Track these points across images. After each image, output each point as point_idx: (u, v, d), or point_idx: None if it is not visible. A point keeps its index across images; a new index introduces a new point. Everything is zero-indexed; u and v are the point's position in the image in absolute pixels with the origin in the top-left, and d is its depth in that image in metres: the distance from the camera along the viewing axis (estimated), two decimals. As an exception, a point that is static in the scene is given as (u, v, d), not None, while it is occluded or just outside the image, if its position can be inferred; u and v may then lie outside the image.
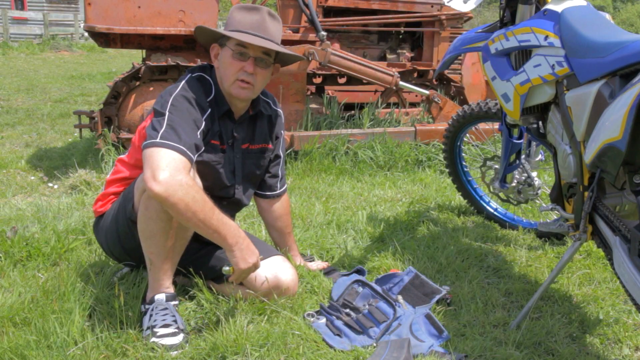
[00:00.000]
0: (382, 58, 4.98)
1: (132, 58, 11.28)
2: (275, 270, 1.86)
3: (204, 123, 1.76)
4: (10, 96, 7.50)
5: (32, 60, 12.80)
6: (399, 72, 4.33)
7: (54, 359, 1.56)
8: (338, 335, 1.75)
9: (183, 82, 1.81)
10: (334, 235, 2.61)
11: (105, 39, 4.24)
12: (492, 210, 2.87)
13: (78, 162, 3.94)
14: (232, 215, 2.11)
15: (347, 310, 1.85)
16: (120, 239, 1.87)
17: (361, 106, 4.45)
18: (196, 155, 1.70)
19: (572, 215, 1.81)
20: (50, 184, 3.65)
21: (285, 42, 2.37)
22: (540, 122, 2.01)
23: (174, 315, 1.72)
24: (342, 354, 1.65)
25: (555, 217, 2.28)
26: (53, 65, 11.99)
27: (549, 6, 1.85)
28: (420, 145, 4.04)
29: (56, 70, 11.02)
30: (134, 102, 3.90)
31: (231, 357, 1.56)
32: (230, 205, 1.98)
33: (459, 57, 4.87)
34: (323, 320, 1.81)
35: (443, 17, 4.77)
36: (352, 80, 4.38)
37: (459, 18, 4.84)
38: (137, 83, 3.89)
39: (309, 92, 4.53)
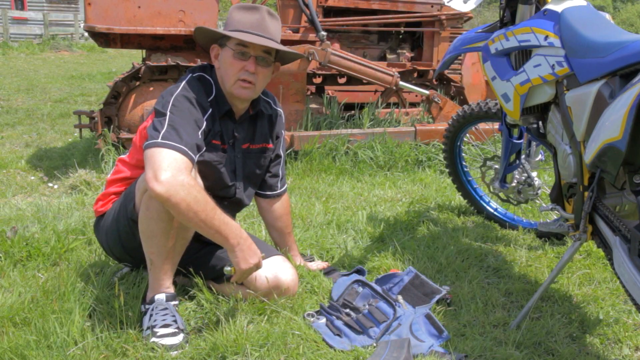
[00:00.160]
0: (382, 58, 4.98)
1: (132, 58, 11.28)
2: (276, 270, 1.86)
3: (205, 123, 1.77)
4: (10, 96, 7.50)
5: (32, 60, 12.80)
6: (399, 72, 4.33)
7: (54, 359, 1.56)
8: (338, 335, 1.75)
9: (184, 82, 1.81)
10: (334, 235, 2.61)
11: (105, 39, 4.24)
12: (492, 210, 2.87)
13: (78, 162, 3.94)
14: (233, 215, 2.11)
15: (347, 310, 1.85)
16: (121, 239, 1.87)
17: (361, 106, 4.45)
18: (197, 156, 1.70)
19: (572, 215, 1.81)
20: (50, 184, 3.65)
21: (285, 42, 2.37)
22: (540, 122, 2.01)
23: (174, 315, 1.72)
24: (342, 354, 1.65)
25: (555, 217, 2.28)
26: (53, 65, 11.99)
27: (549, 6, 1.85)
28: (420, 145, 4.04)
29: (56, 70, 11.02)
30: (134, 102, 3.90)
31: (231, 357, 1.56)
32: (231, 205, 1.98)
33: (459, 57, 4.87)
34: (323, 320, 1.81)
35: (443, 17, 4.77)
36: (352, 80, 4.38)
37: (459, 18, 4.84)
38: (137, 83, 3.89)
39: (309, 92, 4.53)
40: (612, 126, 1.41)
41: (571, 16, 1.77)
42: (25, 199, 3.26)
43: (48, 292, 1.85)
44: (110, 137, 3.82)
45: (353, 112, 4.36)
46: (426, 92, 4.35)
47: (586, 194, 1.70)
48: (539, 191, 2.53)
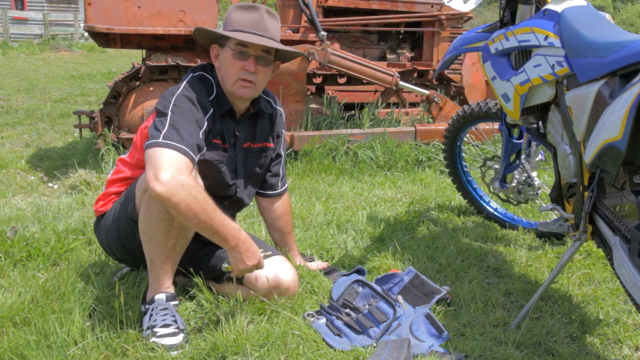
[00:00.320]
0: (382, 58, 4.98)
1: (132, 58, 11.28)
2: (276, 270, 1.86)
3: (206, 123, 1.77)
4: (10, 96, 7.50)
5: (32, 60, 12.80)
6: (399, 72, 4.33)
7: (54, 359, 1.56)
8: (338, 335, 1.75)
9: (185, 82, 1.81)
10: (334, 235, 2.61)
11: (105, 39, 4.24)
12: (492, 210, 2.87)
13: (78, 162, 3.94)
14: (233, 215, 2.12)
15: (347, 310, 1.85)
16: (121, 239, 1.87)
17: (361, 106, 4.45)
18: (198, 156, 1.70)
19: (572, 215, 1.81)
20: (50, 184, 3.65)
21: (285, 42, 2.37)
22: (540, 122, 2.01)
23: (174, 315, 1.72)
24: (342, 354, 1.65)
25: (555, 217, 2.27)
26: (53, 65, 11.99)
27: (549, 6, 1.85)
28: (420, 145, 4.04)
29: (56, 70, 11.02)
30: (134, 102, 3.90)
31: (231, 357, 1.56)
32: (231, 205, 1.98)
33: (459, 57, 4.87)
34: (323, 320, 1.81)
35: (443, 17, 4.77)
36: (352, 80, 4.38)
37: (459, 18, 4.84)
38: (137, 83, 3.89)
39: (309, 92, 4.53)
40: (612, 126, 1.41)
41: (571, 16, 1.77)
42: (25, 199, 3.26)
43: (48, 292, 1.85)
44: (110, 137, 3.82)
45: (353, 112, 4.36)
46: (426, 92, 4.35)
47: (586, 194, 1.70)
48: (539, 191, 2.53)
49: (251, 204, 2.17)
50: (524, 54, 1.95)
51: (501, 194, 2.65)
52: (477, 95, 4.78)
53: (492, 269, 2.27)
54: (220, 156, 1.87)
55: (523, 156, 2.53)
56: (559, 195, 1.93)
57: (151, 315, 1.72)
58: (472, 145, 3.52)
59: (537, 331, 1.78)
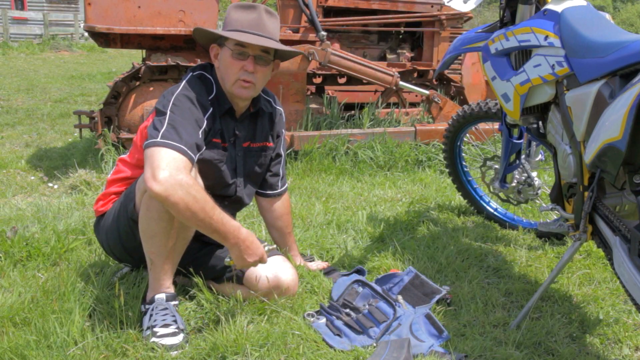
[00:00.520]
0: (382, 58, 4.98)
1: (132, 58, 11.28)
2: (276, 270, 1.86)
3: (205, 122, 1.77)
4: (10, 96, 7.50)
5: (32, 60, 12.80)
6: (399, 72, 4.33)
7: (54, 359, 1.56)
8: (338, 335, 1.75)
9: (184, 81, 1.81)
10: (334, 235, 2.61)
11: (105, 39, 4.24)
12: (492, 210, 2.87)
13: (78, 162, 3.94)
14: (233, 215, 2.11)
15: (347, 310, 1.85)
16: (122, 239, 1.87)
17: (361, 106, 4.45)
18: (197, 155, 1.70)
19: (572, 215, 1.81)
20: (50, 184, 3.65)
21: (285, 42, 2.37)
22: (540, 122, 2.01)
23: (174, 315, 1.72)
24: (342, 354, 1.65)
25: (555, 217, 2.28)
26: (53, 65, 11.99)
27: (549, 6, 1.85)
28: (420, 145, 4.04)
29: (56, 70, 11.02)
30: (134, 102, 3.90)
31: (231, 357, 1.56)
32: (231, 205, 1.98)
33: (459, 57, 4.87)
34: (323, 320, 1.81)
35: (443, 17, 4.77)
36: (352, 80, 4.38)
37: (459, 18, 4.84)
38: (137, 83, 3.89)
39: (309, 92, 4.53)
40: (612, 126, 1.41)
41: (571, 16, 1.77)
42: (25, 199, 3.26)
43: (48, 292, 1.85)
44: (110, 137, 3.82)
45: (353, 112, 4.36)
46: (426, 92, 4.35)
47: (586, 194, 1.70)
48: (539, 191, 2.53)
49: (251, 203, 2.17)
50: (524, 54, 1.95)
51: (501, 194, 2.65)
52: (477, 95, 4.78)
53: (492, 269, 2.27)
54: (220, 155, 1.87)
55: (523, 156, 2.53)
56: (559, 195, 1.93)
57: (151, 315, 1.72)
58: (472, 145, 3.52)
59: (537, 331, 1.78)
